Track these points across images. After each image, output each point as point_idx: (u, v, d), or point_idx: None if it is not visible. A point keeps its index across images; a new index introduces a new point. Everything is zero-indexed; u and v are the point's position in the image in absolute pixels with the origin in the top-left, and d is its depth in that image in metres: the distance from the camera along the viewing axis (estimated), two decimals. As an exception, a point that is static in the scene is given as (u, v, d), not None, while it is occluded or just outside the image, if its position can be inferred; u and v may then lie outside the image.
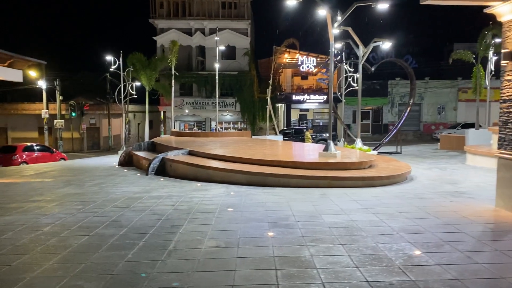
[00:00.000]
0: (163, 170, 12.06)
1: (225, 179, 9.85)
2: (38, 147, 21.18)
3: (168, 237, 5.23)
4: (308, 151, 12.76)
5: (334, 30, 13.74)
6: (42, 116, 32.53)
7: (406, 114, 18.52)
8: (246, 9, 34.86)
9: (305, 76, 43.15)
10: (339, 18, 11.78)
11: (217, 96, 22.48)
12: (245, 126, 35.59)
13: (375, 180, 8.87)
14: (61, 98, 33.88)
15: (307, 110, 38.99)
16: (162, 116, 36.38)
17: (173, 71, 24.49)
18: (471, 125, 30.92)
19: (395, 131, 18.93)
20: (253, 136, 20.99)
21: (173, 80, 24.80)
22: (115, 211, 6.84)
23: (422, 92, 35.31)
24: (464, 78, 34.94)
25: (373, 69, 18.08)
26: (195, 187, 9.27)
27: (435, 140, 31.48)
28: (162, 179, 10.95)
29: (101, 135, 38.42)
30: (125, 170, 13.50)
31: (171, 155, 12.29)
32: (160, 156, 12.22)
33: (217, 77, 21.97)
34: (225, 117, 35.97)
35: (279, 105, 36.90)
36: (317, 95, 35.91)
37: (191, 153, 12.58)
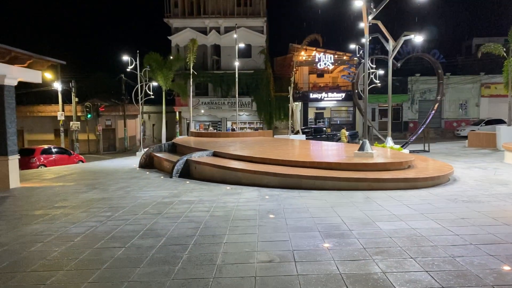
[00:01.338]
0: (188, 172, 11.61)
1: (255, 182, 9.36)
2: (56, 150, 20.91)
3: (212, 249, 4.73)
4: (340, 151, 12.18)
5: (362, 24, 13.18)
6: (58, 118, 32.39)
7: (434, 111, 17.82)
8: (261, 6, 34.28)
9: (320, 74, 42.47)
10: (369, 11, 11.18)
11: (236, 95, 21.99)
12: (261, 126, 35.04)
13: (418, 182, 8.28)
14: (76, 99, 33.74)
15: (323, 108, 38.27)
16: (177, 117, 35.99)
17: (191, 70, 24.05)
18: (495, 122, 30.01)
19: (422, 128, 18.23)
20: (275, 136, 20.47)
21: (191, 80, 24.35)
22: (147, 218, 6.37)
23: (443, 88, 34.34)
24: (487, 73, 33.97)
25: (399, 64, 17.43)
26: (225, 191, 8.78)
27: (458, 138, 30.61)
28: (188, 182, 10.50)
29: (116, 137, 38.21)
30: (147, 173, 13.09)
31: (195, 156, 11.84)
32: (184, 158, 11.76)
33: (236, 75, 21.50)
34: (241, 117, 35.43)
35: (296, 103, 36.25)
36: (335, 93, 35.21)
37: (215, 154, 12.12)
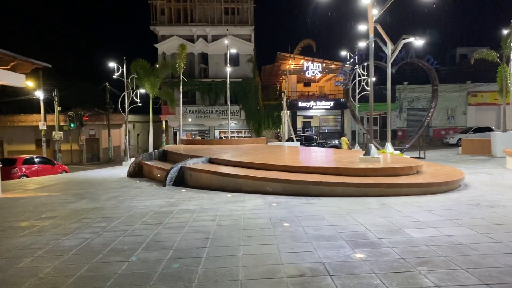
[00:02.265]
0: (182, 180, 11.00)
1: (257, 189, 8.80)
2: (38, 160, 20.01)
3: (230, 262, 4.15)
4: (343, 156, 11.72)
5: (361, 27, 12.86)
6: (40, 128, 31.35)
7: (429, 118, 17.60)
8: (249, 14, 34.03)
9: (307, 83, 42.38)
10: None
11: (228, 102, 21.42)
12: (250, 134, 34.55)
13: (432, 187, 7.85)
14: (59, 109, 32.76)
15: (311, 117, 38.04)
16: (163, 126, 35.24)
17: (181, 76, 23.46)
18: (483, 130, 30.17)
19: (418, 135, 17.98)
20: (268, 143, 19.96)
21: (181, 86, 23.77)
22: (148, 229, 5.76)
23: (430, 97, 34.47)
24: (474, 81, 34.25)
25: (393, 70, 17.17)
26: (226, 199, 8.20)
27: (446, 145, 30.64)
28: (183, 190, 9.88)
29: (100, 147, 37.24)
30: (138, 182, 12.41)
31: (190, 163, 11.23)
32: (179, 165, 11.14)
33: (228, 82, 20.96)
34: (229, 125, 34.94)
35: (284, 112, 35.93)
36: (323, 101, 35.00)
37: (211, 161, 11.53)
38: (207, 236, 5.21)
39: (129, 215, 6.88)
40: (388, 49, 13.57)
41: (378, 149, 14.94)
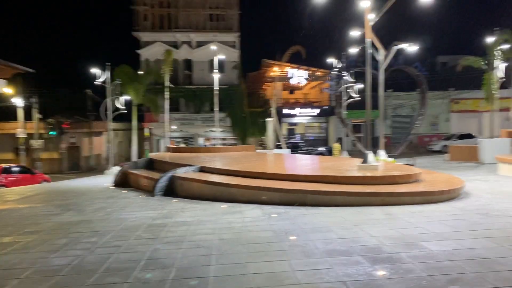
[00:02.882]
0: (172, 190, 10.55)
1: (252, 199, 8.44)
2: (17, 169, 19.24)
3: (242, 282, 3.79)
4: (339, 163, 11.46)
5: (354, 32, 12.71)
6: (18, 136, 30.33)
7: (418, 124, 17.59)
8: (234, 21, 33.81)
9: (292, 90, 42.33)
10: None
11: (215, 109, 21.00)
12: (235, 142, 34.17)
13: (434, 196, 7.63)
14: (39, 116, 31.81)
15: (295, 124, 37.92)
16: (146, 133, 34.58)
17: (167, 82, 22.99)
18: (467, 136, 30.51)
19: (407, 141, 17.92)
20: (257, 151, 19.64)
21: (167, 93, 23.29)
22: (143, 244, 5.34)
23: (415, 104, 34.74)
24: (457, 89, 34.67)
25: (381, 77, 17.09)
26: (222, 210, 7.81)
27: (431, 152, 30.83)
28: (174, 200, 9.45)
29: (81, 155, 36.30)
30: (124, 192, 11.89)
31: (180, 172, 10.80)
32: (169, 174, 10.70)
33: (216, 89, 20.56)
34: (214, 133, 34.45)
35: (268, 119, 35.71)
36: (308, 109, 34.91)
37: (202, 170, 11.12)
38: (210, 252, 4.82)
39: (121, 229, 6.44)
40: (380, 55, 13.45)
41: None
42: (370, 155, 9.28)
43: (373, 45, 13.56)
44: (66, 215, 8.02)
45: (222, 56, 23.78)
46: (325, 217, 6.62)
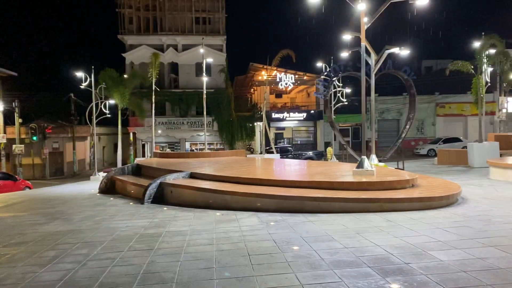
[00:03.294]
0: (162, 197, 10.25)
1: (247, 206, 8.23)
2: (-2, 175, 18.62)
3: (249, 298, 3.56)
4: (333, 168, 11.28)
5: (346, 36, 12.61)
6: (-1, 141, 29.53)
7: (408, 128, 17.60)
8: (221, 24, 33.61)
9: (279, 94, 42.28)
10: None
11: (204, 113, 20.67)
12: (222, 146, 33.88)
13: (433, 201, 7.52)
14: (20, 120, 31.03)
15: (283, 128, 37.82)
16: (131, 138, 34.02)
17: (153, 86, 22.62)
18: (453, 140, 30.81)
19: (396, 146, 17.92)
20: (247, 156, 19.40)
21: (153, 97, 22.90)
22: (138, 256, 5.07)
23: (400, 108, 35.03)
24: (442, 93, 35.03)
25: (372, 81, 17.07)
26: (217, 218, 7.57)
27: (417, 156, 31.02)
28: (165, 208, 9.16)
29: (64, 160, 35.50)
30: (112, 199, 11.53)
31: (170, 179, 10.51)
32: (158, 180, 10.39)
33: (204, 92, 20.27)
34: (201, 137, 34.12)
35: (258, 123, 35.53)
36: (296, 113, 34.85)
37: (193, 176, 10.85)
38: (210, 265, 4.58)
39: (112, 239, 6.14)
40: (372, 59, 13.40)
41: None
42: (366, 160, 9.14)
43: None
44: (53, 224, 7.67)
45: (210, 59, 23.51)
46: (325, 224, 6.44)
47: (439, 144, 30.80)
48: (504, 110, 27.71)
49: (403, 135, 17.78)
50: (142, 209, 9.11)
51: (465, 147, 29.36)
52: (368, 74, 17.52)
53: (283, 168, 11.63)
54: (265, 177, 9.13)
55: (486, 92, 27.63)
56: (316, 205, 7.58)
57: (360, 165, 9.18)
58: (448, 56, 44.73)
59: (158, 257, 5.03)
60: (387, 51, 12.96)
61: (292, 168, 11.67)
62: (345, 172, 9.98)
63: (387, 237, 5.46)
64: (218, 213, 8.03)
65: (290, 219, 6.97)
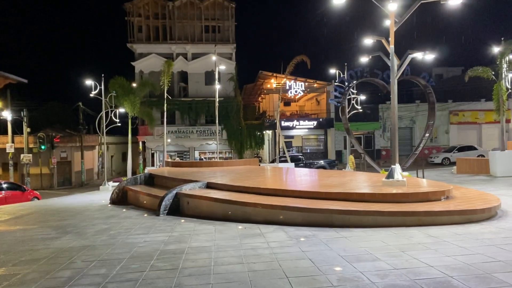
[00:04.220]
0: (177, 208, 9.78)
1: (269, 218, 7.71)
2: (6, 185, 18.22)
3: (301, 334, 3.03)
4: (360, 179, 10.73)
5: (367, 41, 12.14)
6: (7, 151, 29.28)
7: (428, 136, 17.04)
8: (230, 33, 33.32)
9: (287, 102, 41.83)
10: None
11: (216, 122, 20.29)
12: (231, 155, 33.41)
13: (475, 214, 6.96)
14: (28, 130, 30.78)
15: (292, 137, 37.30)
16: (140, 147, 33.67)
17: (165, 95, 22.25)
18: (467, 148, 30.14)
19: (416, 155, 17.34)
20: (261, 164, 18.89)
21: (165, 105, 22.55)
22: (163, 277, 4.57)
23: (413, 116, 34.43)
24: (455, 100, 34.40)
25: (389, 88, 16.56)
26: (239, 232, 7.06)
27: (431, 165, 30.33)
28: (182, 220, 8.66)
29: (72, 170, 35.16)
30: (124, 210, 11.06)
31: (186, 189, 10.04)
32: (174, 191, 9.92)
33: (216, 101, 19.91)
34: (210, 146, 33.68)
35: (267, 132, 35.08)
36: (306, 121, 34.34)
37: (210, 186, 10.37)
38: (246, 289, 4.06)
39: (131, 257, 5.65)
40: (394, 64, 12.85)
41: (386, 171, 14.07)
42: (397, 170, 8.59)
43: (385, 54, 13.01)
44: (65, 239, 7.20)
45: (222, 67, 23.10)
46: (361, 241, 5.90)
47: (454, 152, 30.14)
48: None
49: (423, 143, 17.19)
50: (159, 222, 8.62)
51: (480, 155, 28.81)
52: (386, 81, 17.06)
53: (303, 178, 11.10)
54: (288, 188, 8.61)
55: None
56: (346, 219, 7.04)
57: (390, 175, 8.64)
58: (458, 64, 44.19)
59: (185, 278, 4.52)
60: (410, 56, 12.42)
61: (313, 178, 11.14)
62: (372, 182, 9.44)
63: (437, 255, 4.92)
64: (240, 226, 7.52)
65: (321, 235, 6.44)
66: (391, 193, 7.70)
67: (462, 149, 30.10)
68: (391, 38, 8.79)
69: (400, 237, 5.99)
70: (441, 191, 7.81)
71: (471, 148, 30.18)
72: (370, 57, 12.95)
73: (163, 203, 9.69)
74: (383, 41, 12.01)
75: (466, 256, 4.84)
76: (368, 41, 11.60)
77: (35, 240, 7.23)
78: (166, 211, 9.64)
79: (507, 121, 33.33)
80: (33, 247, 6.55)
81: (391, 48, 8.91)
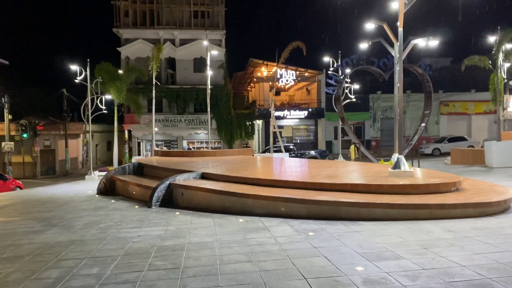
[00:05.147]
0: (171, 199, 9.27)
1: (272, 211, 7.27)
2: (-13, 174, 17.41)
3: None
4: (363, 169, 10.29)
5: (369, 25, 11.68)
6: (-12, 138, 28.23)
7: (424, 125, 16.73)
8: (220, 19, 32.50)
9: (277, 91, 41.27)
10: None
11: (208, 110, 19.68)
12: (220, 145, 32.83)
13: (490, 207, 6.61)
14: (10, 117, 29.69)
15: (281, 127, 36.84)
16: (126, 136, 32.83)
17: (153, 81, 21.51)
18: (458, 139, 30.11)
19: (412, 145, 17.04)
20: (254, 154, 18.39)
21: (154, 91, 21.82)
22: (165, 279, 4.07)
23: (404, 106, 34.23)
24: (446, 91, 34.29)
25: (386, 77, 16.20)
26: (241, 225, 6.58)
27: (422, 155, 30.22)
28: (177, 212, 8.15)
29: (56, 159, 34.17)
30: (113, 201, 10.48)
31: (180, 179, 9.50)
32: (167, 181, 9.38)
33: (208, 89, 19.25)
34: (199, 135, 33.02)
35: (257, 121, 34.53)
36: (297, 111, 33.87)
37: (204, 176, 9.86)
38: (262, 293, 3.59)
39: (126, 253, 5.12)
40: (395, 50, 12.41)
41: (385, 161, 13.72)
42: (403, 160, 8.18)
43: (387, 40, 12.56)
44: (51, 232, 6.63)
45: (214, 52, 22.36)
46: (375, 236, 5.47)
47: (444, 143, 30.08)
48: (509, 109, 27.02)
49: (419, 133, 16.90)
50: (151, 214, 8.09)
51: (470, 146, 28.78)
52: (382, 69, 16.64)
53: (303, 169, 10.65)
54: (290, 179, 8.15)
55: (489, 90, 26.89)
56: (354, 212, 6.62)
57: (397, 166, 8.23)
58: (447, 55, 44.06)
59: (189, 280, 4.03)
60: (412, 42, 12.00)
61: (313, 169, 10.68)
62: (375, 173, 9.03)
63: (465, 253, 4.51)
64: (241, 219, 7.05)
65: (330, 228, 6.01)
66: (399, 184, 7.30)
67: (452, 139, 30.05)
68: (400, 20, 8.31)
69: (416, 232, 5.58)
70: (452, 182, 7.44)
71: (461, 139, 30.15)
72: (370, 43, 12.46)
73: (155, 194, 9.15)
74: (385, 26, 11.56)
75: (496, 254, 4.45)
76: (369, 25, 11.13)
77: (18, 233, 6.64)
78: (159, 203, 9.12)
79: (495, 112, 33.44)
80: (16, 242, 5.98)
81: (400, 30, 8.43)
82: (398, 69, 8.97)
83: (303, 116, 33.77)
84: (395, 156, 12.96)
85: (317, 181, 7.85)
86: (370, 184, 7.37)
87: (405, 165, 8.14)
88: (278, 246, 5.17)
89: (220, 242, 5.49)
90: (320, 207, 6.85)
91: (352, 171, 9.58)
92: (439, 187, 7.27)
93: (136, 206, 9.29)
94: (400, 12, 8.18)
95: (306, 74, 33.68)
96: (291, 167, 11.08)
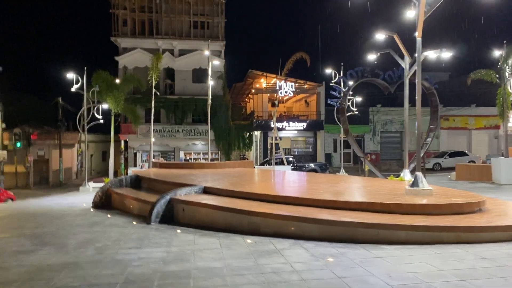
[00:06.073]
0: (171, 215, 8.70)
1: (280, 230, 6.74)
2: (-23, 184, 16.72)
3: None
4: (376, 185, 9.76)
5: (379, 36, 11.30)
6: (-20, 147, 27.51)
7: (431, 140, 16.31)
8: (220, 29, 32.16)
9: (275, 103, 40.94)
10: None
11: (208, 121, 19.19)
12: (217, 157, 32.26)
13: (520, 230, 6.09)
14: (3, 125, 29.03)
15: (280, 138, 36.38)
16: (122, 146, 32.17)
17: (153, 90, 21.02)
18: (458, 154, 29.77)
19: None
20: (255, 167, 17.87)
21: (153, 101, 21.33)
22: (173, 317, 3.51)
23: (403, 120, 33.88)
24: (445, 105, 34.03)
25: (392, 90, 15.81)
26: (250, 247, 6.04)
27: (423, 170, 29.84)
28: (178, 230, 7.59)
29: (50, 169, 33.40)
30: (109, 216, 9.90)
31: (181, 194, 8.96)
32: (168, 196, 8.82)
33: (209, 99, 18.79)
34: (197, 146, 32.45)
35: (256, 133, 34.03)
36: (296, 122, 33.44)
37: (207, 191, 9.31)
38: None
39: (126, 280, 4.57)
40: (406, 62, 12.06)
41: (395, 176, 13.22)
42: (422, 178, 7.69)
43: (397, 52, 12.18)
44: (43, 253, 6.05)
45: (216, 62, 21.88)
46: (403, 263, 4.95)
47: (445, 158, 29.71)
48: (510, 124, 26.77)
49: (424, 148, 16.45)
50: (151, 232, 7.53)
51: (471, 161, 28.43)
52: (387, 81, 16.27)
53: (311, 184, 10.13)
54: (300, 196, 7.62)
55: (489, 105, 26.59)
56: (374, 234, 6.10)
57: (415, 184, 7.73)
58: (445, 69, 43.95)
59: (202, 318, 3.47)
60: (424, 54, 11.64)
61: (321, 184, 10.16)
62: (389, 190, 8.52)
63: (508, 285, 3.99)
64: (249, 240, 6.51)
65: (349, 253, 5.48)
66: (420, 203, 6.79)
67: (453, 154, 29.71)
68: (419, 29, 7.87)
69: (447, 259, 5.07)
70: (476, 202, 6.94)
71: (462, 153, 29.82)
72: (379, 54, 12.07)
73: (155, 209, 8.59)
74: (395, 37, 11.18)
75: (548, 288, 3.94)
76: (380, 36, 10.75)
77: (7, 254, 6.07)
78: (159, 219, 8.55)
79: (497, 127, 33.17)
80: (4, 264, 5.41)
81: (418, 40, 7.98)
82: (416, 81, 8.48)
83: (301, 128, 33.33)
84: (405, 171, 12.56)
85: (329, 198, 7.34)
86: (388, 204, 6.86)
87: (424, 183, 7.65)
88: (296, 275, 4.63)
89: (230, 269, 4.94)
90: (336, 228, 6.33)
91: (363, 188, 9.08)
92: (462, 208, 6.78)
93: (134, 222, 8.72)
94: (420, 21, 7.76)
95: (305, 86, 33.35)
96: (296, 182, 10.57)
